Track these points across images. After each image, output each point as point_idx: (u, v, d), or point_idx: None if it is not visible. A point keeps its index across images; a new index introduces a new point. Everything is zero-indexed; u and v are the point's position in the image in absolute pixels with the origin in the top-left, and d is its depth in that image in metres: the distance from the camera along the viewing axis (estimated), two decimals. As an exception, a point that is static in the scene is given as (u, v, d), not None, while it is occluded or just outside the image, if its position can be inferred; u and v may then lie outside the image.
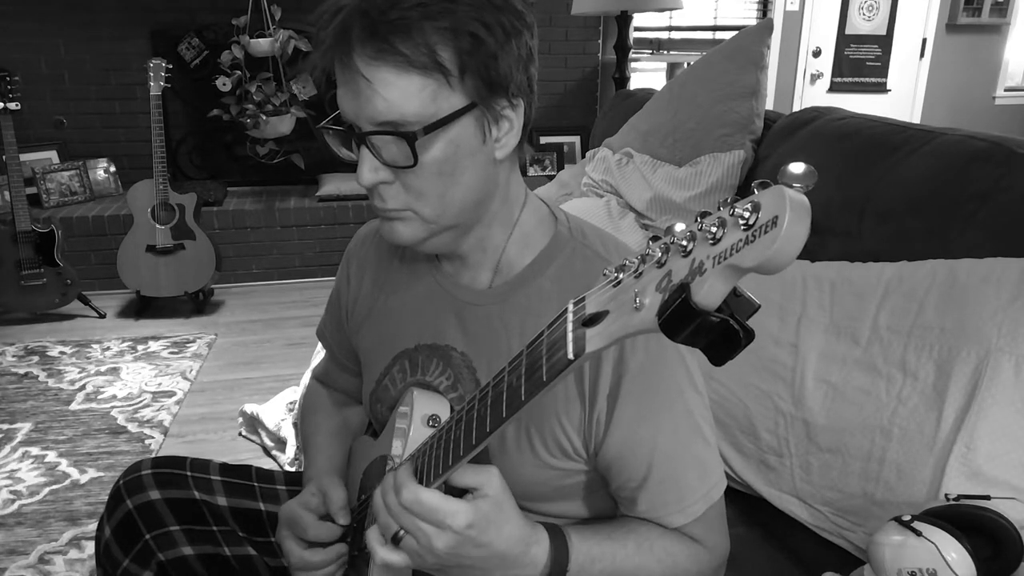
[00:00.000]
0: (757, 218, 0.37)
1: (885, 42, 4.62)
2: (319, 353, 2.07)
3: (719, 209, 0.41)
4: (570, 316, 0.52)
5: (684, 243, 0.42)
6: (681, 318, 0.40)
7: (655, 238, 0.46)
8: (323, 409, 1.07)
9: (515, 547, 0.69)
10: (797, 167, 0.37)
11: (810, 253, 1.23)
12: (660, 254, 0.44)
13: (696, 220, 0.42)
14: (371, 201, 0.77)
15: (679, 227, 0.44)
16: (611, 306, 0.48)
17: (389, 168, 0.72)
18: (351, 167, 0.74)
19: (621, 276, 0.48)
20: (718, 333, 0.40)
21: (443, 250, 0.83)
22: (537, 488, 0.81)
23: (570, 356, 0.50)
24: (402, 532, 0.68)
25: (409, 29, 0.66)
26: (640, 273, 0.46)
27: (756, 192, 0.39)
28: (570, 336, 0.50)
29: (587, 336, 0.49)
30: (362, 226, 1.02)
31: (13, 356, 2.85)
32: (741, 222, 0.38)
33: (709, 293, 0.40)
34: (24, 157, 3.21)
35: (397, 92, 0.68)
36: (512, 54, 0.71)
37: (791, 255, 0.36)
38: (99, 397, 2.53)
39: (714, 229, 0.40)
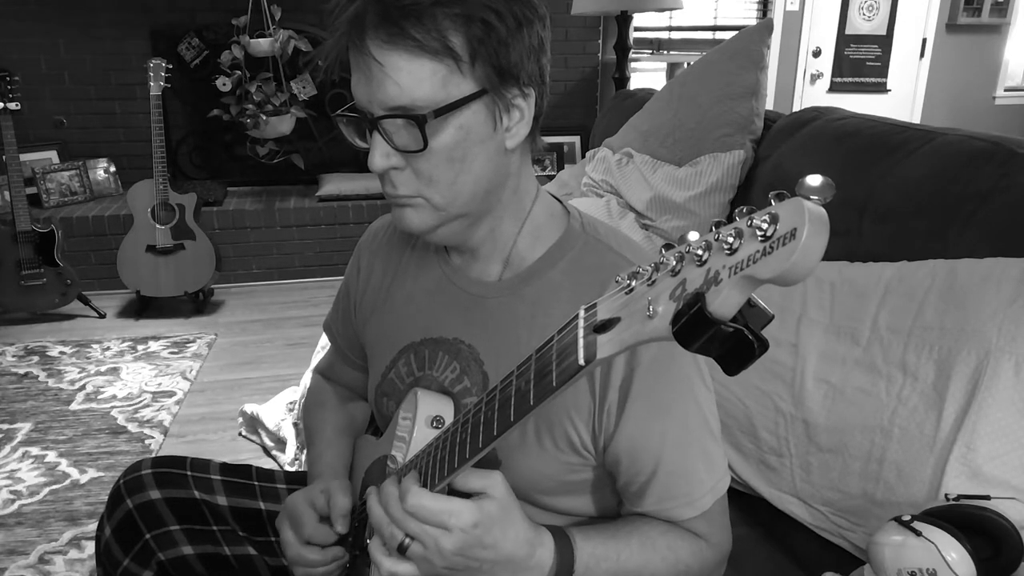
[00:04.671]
0: (775, 229, 0.37)
1: (885, 42, 4.62)
2: (319, 353, 2.07)
3: (735, 219, 0.41)
4: (581, 322, 0.52)
5: (699, 252, 0.42)
6: (695, 327, 0.40)
7: (668, 246, 0.46)
8: (329, 404, 1.06)
9: (521, 549, 0.69)
10: (815, 179, 0.37)
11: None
12: (674, 263, 0.44)
13: (711, 229, 0.42)
14: (383, 188, 0.78)
15: (693, 236, 0.44)
16: (623, 313, 0.48)
17: (400, 154, 0.73)
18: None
19: (634, 283, 0.48)
20: (732, 343, 0.40)
21: (453, 241, 0.83)
22: (543, 482, 0.81)
23: (581, 362, 0.50)
24: (408, 540, 0.68)
25: (421, 15, 0.68)
26: (653, 281, 0.46)
27: (774, 203, 0.39)
28: (581, 342, 0.50)
29: (598, 342, 0.49)
30: (374, 221, 1.02)
31: (13, 356, 2.84)
32: (759, 233, 0.38)
33: (724, 303, 0.40)
34: (24, 157, 3.21)
35: (408, 76, 0.69)
36: (523, 43, 0.72)
37: (809, 268, 0.36)
38: (99, 397, 2.53)
39: (731, 239, 0.40)
